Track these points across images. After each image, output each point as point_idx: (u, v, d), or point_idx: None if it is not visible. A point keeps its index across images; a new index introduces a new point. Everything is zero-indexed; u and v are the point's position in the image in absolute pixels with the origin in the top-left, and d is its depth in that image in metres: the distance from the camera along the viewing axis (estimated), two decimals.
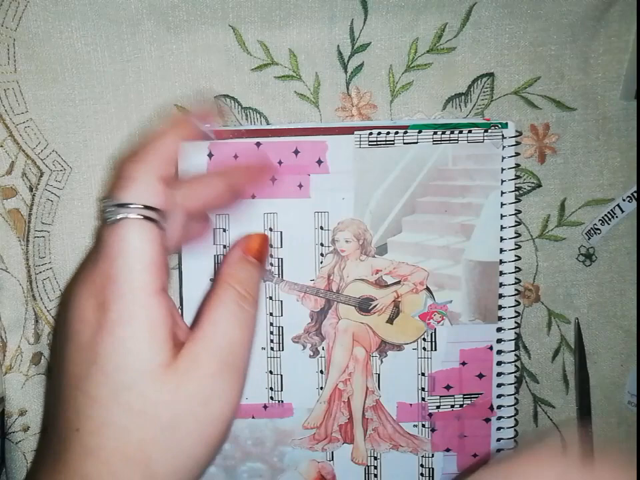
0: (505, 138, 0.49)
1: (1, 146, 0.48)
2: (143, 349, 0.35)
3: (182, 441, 0.35)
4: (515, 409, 0.51)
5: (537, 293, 0.52)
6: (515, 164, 0.49)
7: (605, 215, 0.51)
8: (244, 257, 0.41)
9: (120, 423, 0.34)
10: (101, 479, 0.34)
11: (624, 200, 0.51)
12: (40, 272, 0.49)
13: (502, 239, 0.50)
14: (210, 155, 0.48)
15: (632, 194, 0.51)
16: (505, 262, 0.50)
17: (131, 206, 0.36)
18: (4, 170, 0.48)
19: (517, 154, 0.49)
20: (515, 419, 0.51)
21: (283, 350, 0.49)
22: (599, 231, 0.52)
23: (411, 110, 0.50)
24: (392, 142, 0.48)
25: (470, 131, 0.49)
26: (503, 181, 0.49)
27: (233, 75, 0.49)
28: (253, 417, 0.49)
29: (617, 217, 0.51)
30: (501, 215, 0.49)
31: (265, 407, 0.49)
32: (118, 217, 0.35)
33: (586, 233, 0.52)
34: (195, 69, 0.49)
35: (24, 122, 0.48)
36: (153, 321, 0.35)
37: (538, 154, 0.51)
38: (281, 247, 0.49)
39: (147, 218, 0.36)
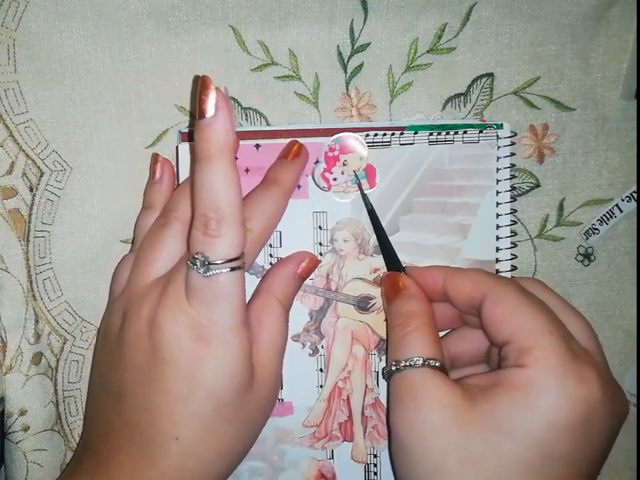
0: (500, 138, 0.49)
1: (1, 146, 0.48)
2: (238, 370, 0.41)
3: (256, 431, 0.44)
4: None
5: None
6: (510, 164, 0.49)
7: (604, 214, 0.52)
8: (296, 276, 0.46)
9: (218, 430, 0.41)
10: (198, 474, 0.41)
11: (623, 200, 0.51)
12: (40, 272, 0.49)
13: (498, 238, 0.50)
14: None
15: (631, 194, 0.51)
16: (501, 260, 0.50)
17: (222, 261, 0.39)
18: (4, 170, 0.48)
19: (512, 154, 0.49)
20: None
21: None
22: (597, 231, 0.52)
23: (410, 110, 0.50)
24: (388, 143, 0.49)
25: (465, 132, 0.49)
26: (498, 181, 0.49)
27: (232, 75, 0.49)
28: None
29: (615, 217, 0.51)
30: (497, 214, 0.49)
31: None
32: (211, 273, 0.39)
33: (584, 233, 0.52)
34: (195, 69, 0.49)
35: (24, 122, 0.48)
36: (243, 349, 0.41)
37: (537, 154, 0.51)
38: (280, 246, 0.49)
39: (234, 267, 0.40)
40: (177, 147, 0.48)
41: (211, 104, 0.38)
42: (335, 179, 0.49)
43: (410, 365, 0.40)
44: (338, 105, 0.50)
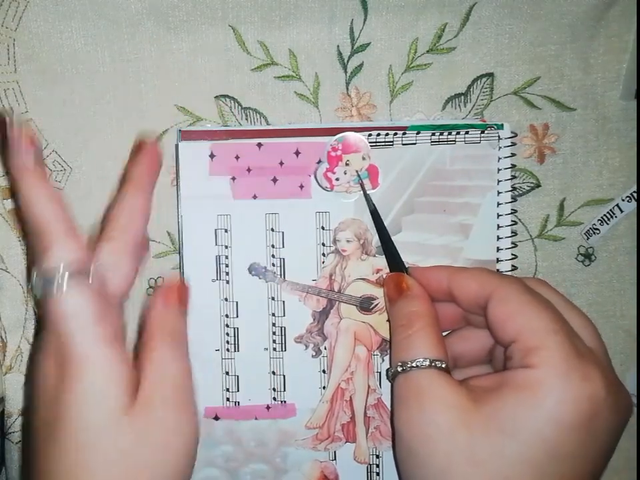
0: (501, 139, 0.49)
1: None
2: (104, 393, 0.38)
3: (154, 475, 0.38)
4: None
5: None
6: (511, 164, 0.49)
7: (604, 214, 0.51)
8: (165, 309, 0.43)
9: (87, 467, 0.37)
10: None
11: (623, 200, 0.51)
12: None
13: (499, 238, 0.50)
14: (212, 156, 0.48)
15: (631, 194, 0.51)
16: (502, 260, 0.50)
17: (55, 275, 0.38)
18: (4, 170, 0.48)
19: (513, 154, 0.49)
20: None
21: (285, 350, 0.49)
22: (598, 231, 0.52)
23: (410, 110, 0.50)
24: (391, 143, 0.49)
25: (467, 132, 0.49)
26: (499, 181, 0.49)
27: (232, 75, 0.49)
28: (256, 418, 0.49)
29: (616, 216, 0.51)
30: (498, 214, 0.49)
31: (268, 407, 0.49)
32: (49, 291, 0.38)
33: (585, 233, 0.52)
34: (195, 69, 0.49)
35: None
36: (107, 368, 0.38)
37: (537, 154, 0.51)
38: (283, 247, 0.49)
39: (73, 279, 0.38)
40: (176, 145, 0.48)
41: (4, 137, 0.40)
42: (337, 179, 0.49)
43: (416, 366, 0.40)
44: (338, 104, 0.50)
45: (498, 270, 0.50)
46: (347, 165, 0.48)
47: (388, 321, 0.48)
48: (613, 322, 0.53)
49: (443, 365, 0.40)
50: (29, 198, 0.40)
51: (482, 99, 0.50)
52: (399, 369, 0.41)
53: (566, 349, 0.38)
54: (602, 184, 0.52)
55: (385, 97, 0.50)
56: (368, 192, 0.48)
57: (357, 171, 0.48)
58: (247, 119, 0.50)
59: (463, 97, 0.50)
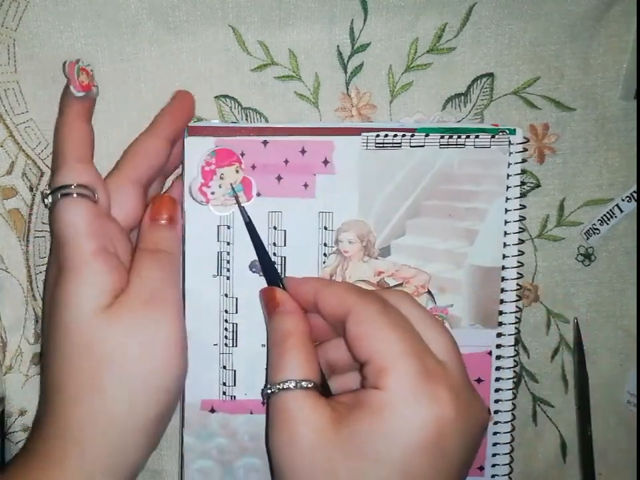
0: (512, 144, 0.49)
1: (1, 146, 0.48)
2: (84, 294, 0.41)
3: (127, 366, 0.41)
4: (512, 414, 0.51)
5: (535, 292, 0.52)
6: (521, 170, 0.49)
7: (604, 214, 0.52)
8: (152, 223, 0.46)
9: (70, 357, 0.41)
10: (64, 409, 0.40)
11: (623, 200, 0.51)
12: (40, 272, 0.49)
13: (505, 245, 0.49)
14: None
15: (631, 194, 0.51)
16: (508, 268, 0.50)
17: (60, 190, 0.42)
18: (4, 170, 0.48)
19: (524, 160, 0.49)
20: (512, 424, 0.51)
21: None
22: (597, 231, 0.52)
23: (410, 110, 0.50)
24: (399, 144, 0.48)
25: (477, 136, 0.48)
26: (508, 187, 0.49)
27: (232, 75, 0.49)
28: (251, 413, 0.49)
29: (616, 216, 0.51)
30: (505, 220, 0.49)
31: (264, 402, 0.49)
32: (50, 202, 0.43)
33: (585, 233, 0.52)
34: (195, 69, 0.49)
35: (24, 122, 0.48)
36: (92, 273, 0.41)
37: (537, 154, 0.51)
38: (285, 245, 0.49)
39: (78, 195, 0.42)
40: (183, 140, 0.48)
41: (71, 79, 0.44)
42: (212, 193, 0.48)
43: (284, 389, 0.41)
44: (338, 104, 0.50)
45: (503, 278, 0.49)
46: (221, 178, 0.48)
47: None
48: (613, 322, 0.53)
49: (310, 385, 0.41)
50: (59, 121, 0.45)
51: (482, 99, 0.50)
52: (269, 391, 0.41)
53: (414, 371, 0.38)
54: (602, 184, 0.52)
55: (385, 97, 0.50)
56: (243, 204, 0.48)
57: (231, 184, 0.48)
58: (247, 119, 0.50)
59: (462, 97, 0.51)
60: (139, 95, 0.49)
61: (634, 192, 0.51)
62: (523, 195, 0.50)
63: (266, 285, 0.48)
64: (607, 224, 0.52)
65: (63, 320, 0.41)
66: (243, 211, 0.48)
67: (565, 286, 0.53)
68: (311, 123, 0.49)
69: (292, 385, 0.41)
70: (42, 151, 0.48)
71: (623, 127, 0.51)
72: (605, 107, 0.51)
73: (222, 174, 0.48)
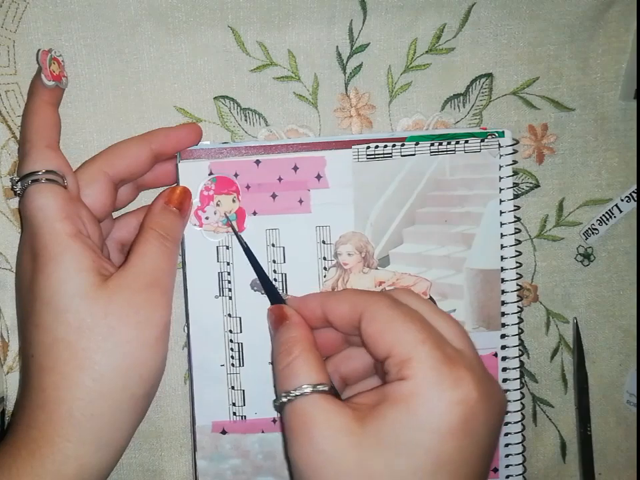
0: (502, 146, 0.49)
1: (3, 147, 0.48)
2: (71, 275, 0.41)
3: (120, 345, 0.41)
4: (522, 413, 0.51)
5: (535, 292, 0.52)
6: (513, 172, 0.49)
7: (603, 215, 0.52)
8: (165, 206, 0.46)
9: (65, 338, 0.40)
10: (56, 387, 0.40)
11: (622, 200, 0.51)
12: None
13: (502, 247, 0.50)
14: (211, 174, 0.48)
15: (630, 194, 0.51)
16: (507, 269, 0.50)
17: (30, 176, 0.42)
18: (7, 170, 0.49)
19: (514, 162, 0.49)
20: (522, 424, 0.51)
21: None
22: (597, 231, 0.52)
23: (409, 111, 0.50)
24: (390, 154, 0.49)
25: (467, 141, 0.49)
26: (501, 189, 0.49)
27: (231, 76, 0.49)
28: (263, 432, 0.49)
29: (615, 217, 0.51)
30: (501, 222, 0.49)
31: (274, 420, 0.50)
32: (23, 188, 0.43)
33: (584, 233, 0.52)
34: (194, 69, 0.49)
35: None
36: (74, 254, 0.41)
37: (536, 154, 0.51)
38: (284, 262, 0.49)
39: (47, 180, 0.42)
40: (176, 166, 0.48)
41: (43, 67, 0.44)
42: (207, 218, 0.48)
43: (300, 394, 0.40)
44: (337, 105, 0.50)
45: (503, 279, 0.50)
46: (217, 205, 0.48)
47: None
48: (613, 322, 0.53)
49: (326, 388, 0.40)
50: (29, 111, 0.45)
51: (481, 100, 0.50)
52: (285, 400, 0.41)
53: (435, 356, 0.38)
54: (601, 184, 0.52)
55: (384, 98, 0.50)
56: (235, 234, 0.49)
57: (225, 214, 0.48)
58: (246, 120, 0.50)
59: (462, 98, 0.51)
60: (138, 95, 0.49)
61: (633, 192, 0.51)
62: (516, 196, 0.50)
63: (270, 301, 0.48)
64: (606, 224, 0.52)
65: (53, 304, 0.41)
66: (239, 238, 0.48)
67: (564, 286, 0.53)
68: (301, 139, 0.49)
69: (308, 389, 0.40)
70: None
71: (622, 127, 0.51)
72: (604, 107, 0.51)
73: (219, 201, 0.48)
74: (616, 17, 0.50)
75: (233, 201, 0.49)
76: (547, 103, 0.51)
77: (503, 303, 0.50)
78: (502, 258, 0.50)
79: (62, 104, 0.48)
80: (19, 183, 0.43)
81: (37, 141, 0.44)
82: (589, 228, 0.52)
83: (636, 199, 0.51)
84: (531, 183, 0.51)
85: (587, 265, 0.53)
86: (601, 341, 0.53)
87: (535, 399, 0.53)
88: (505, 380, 0.50)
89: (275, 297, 0.48)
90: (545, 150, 0.51)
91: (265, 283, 0.48)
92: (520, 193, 0.51)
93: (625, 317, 0.53)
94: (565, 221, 0.52)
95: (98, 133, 0.49)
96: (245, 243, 0.48)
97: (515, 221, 0.49)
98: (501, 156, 0.49)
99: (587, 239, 0.52)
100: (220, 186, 0.48)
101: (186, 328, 0.49)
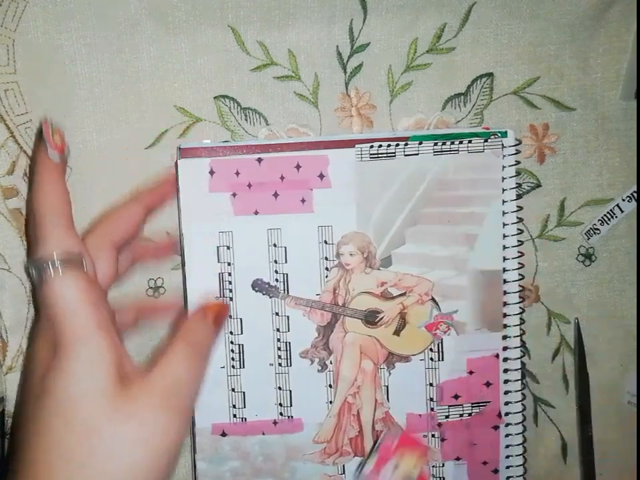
0: (505, 147, 0.49)
1: (2, 146, 0.48)
2: (91, 374, 0.38)
3: (131, 468, 0.38)
4: (523, 414, 0.51)
5: (536, 293, 0.52)
6: (516, 172, 0.49)
7: (605, 214, 0.51)
8: (201, 318, 0.44)
9: (70, 448, 0.37)
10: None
11: (623, 200, 0.51)
12: None
13: (504, 247, 0.49)
14: (211, 173, 0.48)
15: (631, 194, 0.51)
16: (509, 270, 0.50)
17: (51, 261, 0.39)
18: (5, 170, 0.49)
19: (517, 162, 0.49)
20: (523, 425, 0.51)
21: (290, 365, 0.49)
22: (598, 231, 0.52)
23: (410, 110, 0.50)
24: (393, 154, 0.48)
25: (470, 141, 0.48)
26: (504, 190, 0.49)
27: (232, 75, 0.49)
28: (263, 434, 0.50)
29: (616, 216, 0.51)
30: (503, 223, 0.49)
31: (275, 422, 0.50)
32: (42, 274, 0.39)
33: (585, 233, 0.52)
34: (194, 69, 0.49)
35: (24, 122, 0.48)
36: (98, 351, 0.39)
37: (537, 154, 0.51)
38: (286, 262, 0.49)
39: (67, 266, 0.39)
40: (176, 163, 0.48)
41: (39, 134, 0.42)
42: None
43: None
44: (338, 104, 0.50)
45: (505, 280, 0.50)
46: (395, 467, 0.47)
47: (394, 334, 0.48)
48: (614, 322, 0.53)
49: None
50: (41, 191, 0.42)
51: (482, 99, 0.50)
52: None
53: None
54: (602, 184, 0.52)
55: (385, 97, 0.50)
56: None
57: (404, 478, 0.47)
58: (246, 120, 0.50)
59: (462, 97, 0.50)
60: (138, 94, 0.49)
61: (634, 192, 0.51)
62: (519, 197, 0.50)
63: (271, 302, 0.49)
64: (608, 224, 0.52)
65: (67, 404, 0.38)
66: None
67: (566, 286, 0.53)
68: (304, 138, 0.49)
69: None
70: None
71: (623, 127, 0.51)
72: (605, 107, 0.51)
73: (398, 462, 0.47)
74: (616, 16, 0.50)
75: (417, 461, 0.47)
76: (547, 102, 0.51)
77: (505, 303, 0.50)
78: (504, 259, 0.49)
79: (62, 103, 0.48)
80: (35, 269, 0.40)
81: (55, 222, 0.41)
82: (590, 228, 0.52)
83: (637, 198, 0.51)
84: (532, 182, 0.51)
85: (589, 265, 0.52)
86: (602, 341, 0.53)
87: (536, 400, 0.53)
88: (506, 381, 0.50)
89: None
90: (546, 150, 0.51)
91: None
92: (521, 192, 0.51)
93: (626, 317, 0.53)
94: (567, 221, 0.52)
95: (97, 132, 0.49)
96: None
97: (517, 222, 0.49)
98: (504, 156, 0.49)
99: (588, 238, 0.52)
100: (405, 442, 0.48)
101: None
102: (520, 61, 0.50)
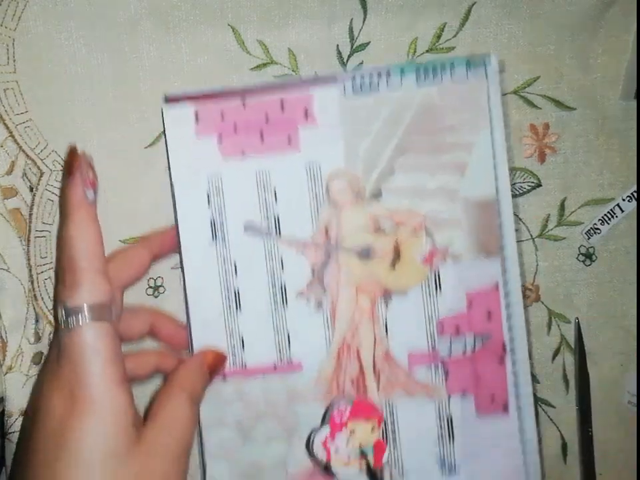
0: (488, 72, 0.48)
1: (1, 146, 0.48)
2: (111, 432, 0.38)
3: None
4: (528, 345, 0.49)
5: (536, 292, 0.52)
6: (502, 95, 0.48)
7: (605, 214, 0.51)
8: (200, 368, 0.46)
9: None
10: None
11: (624, 200, 0.51)
12: (41, 272, 0.49)
13: (496, 178, 0.48)
14: (197, 118, 0.48)
15: (632, 194, 0.51)
16: (502, 198, 0.48)
17: (82, 310, 0.39)
18: (4, 170, 0.49)
19: (502, 87, 0.48)
20: (530, 357, 0.49)
21: (287, 306, 0.49)
22: (598, 231, 0.52)
23: None
24: (377, 87, 0.48)
25: (453, 70, 0.48)
26: (491, 117, 0.48)
27: (232, 75, 0.49)
28: (264, 377, 0.49)
29: (616, 216, 0.51)
30: (493, 151, 0.48)
31: (275, 366, 0.49)
32: (73, 325, 0.39)
33: (586, 233, 0.52)
34: (194, 68, 0.49)
35: (24, 122, 0.48)
36: (119, 408, 0.39)
37: (538, 153, 0.51)
38: (276, 203, 0.48)
39: (98, 317, 0.40)
40: (161, 110, 0.48)
41: (70, 167, 0.42)
42: (336, 450, 0.48)
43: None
44: None
45: (499, 212, 0.48)
46: (351, 433, 0.48)
47: (390, 268, 0.48)
48: (613, 322, 0.53)
49: None
50: (75, 231, 0.41)
51: None
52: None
53: None
54: (602, 183, 0.52)
55: None
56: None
57: (360, 446, 0.47)
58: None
59: None
60: (138, 94, 0.49)
61: (634, 191, 0.51)
62: (523, 194, 0.50)
63: (264, 243, 0.49)
64: (608, 224, 0.52)
65: (85, 459, 0.38)
66: (376, 476, 0.47)
67: (566, 286, 0.52)
68: (287, 79, 0.49)
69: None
70: (41, 151, 0.49)
71: (623, 127, 0.51)
72: (605, 107, 0.51)
73: (353, 429, 0.48)
74: (616, 16, 0.50)
75: (372, 430, 0.48)
76: (547, 102, 0.51)
77: (501, 232, 0.49)
78: (497, 189, 0.48)
79: (62, 102, 0.48)
80: (66, 315, 0.40)
81: (90, 267, 0.41)
82: (590, 227, 0.52)
83: (637, 198, 0.51)
84: (532, 182, 0.51)
85: (589, 265, 0.52)
86: (603, 341, 0.53)
87: (537, 399, 0.53)
88: (508, 312, 0.49)
89: None
90: (547, 149, 0.51)
91: None
92: (521, 192, 0.51)
93: (627, 317, 0.53)
94: (567, 221, 0.52)
95: (97, 132, 0.49)
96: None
97: (507, 150, 0.48)
98: (488, 83, 0.48)
99: (588, 238, 0.52)
100: (357, 411, 0.48)
101: (181, 277, 0.49)
102: (520, 61, 0.50)
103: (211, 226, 0.48)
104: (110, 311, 0.41)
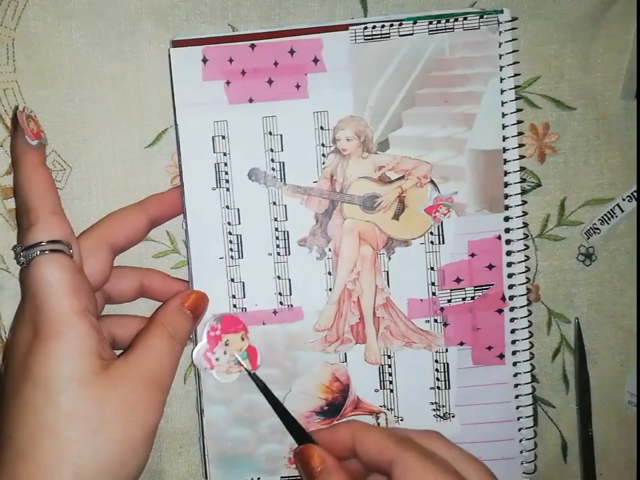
0: (501, 23, 0.48)
1: (1, 146, 0.48)
2: (72, 357, 0.39)
3: (109, 442, 0.39)
4: (527, 298, 0.50)
5: (536, 292, 0.52)
6: (513, 49, 0.48)
7: (605, 214, 0.51)
8: (180, 307, 0.46)
9: (52, 424, 0.38)
10: (32, 479, 0.37)
11: (624, 199, 0.51)
12: None
13: (504, 127, 0.49)
14: (204, 60, 0.47)
15: (632, 193, 0.51)
16: (509, 149, 0.49)
17: (36, 247, 0.41)
18: (4, 170, 0.48)
19: (514, 39, 0.49)
20: (528, 309, 0.50)
21: (289, 254, 0.49)
22: (598, 231, 0.51)
23: None
24: (387, 35, 0.48)
25: (465, 19, 0.48)
26: (501, 67, 0.48)
27: None
28: (264, 323, 0.49)
29: (616, 216, 0.51)
30: (502, 101, 0.49)
31: (275, 312, 0.49)
32: (29, 259, 0.41)
33: (585, 233, 0.52)
34: None
35: None
36: (78, 335, 0.40)
37: (538, 153, 0.51)
38: (282, 150, 0.48)
39: (53, 251, 0.41)
40: (168, 52, 0.47)
41: (13, 124, 0.44)
42: (217, 359, 0.48)
43: None
44: None
45: (505, 160, 0.49)
46: (226, 345, 0.48)
47: (393, 219, 0.48)
48: (613, 322, 0.53)
49: None
50: (24, 176, 0.43)
51: None
52: None
53: None
54: (602, 183, 0.52)
55: None
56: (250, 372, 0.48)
57: (235, 353, 0.48)
58: None
59: None
60: (138, 94, 0.49)
61: (634, 191, 0.51)
62: (523, 194, 0.50)
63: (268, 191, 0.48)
64: (608, 223, 0.51)
65: (47, 385, 0.39)
66: (254, 378, 0.48)
67: (566, 286, 0.52)
68: (297, 24, 0.49)
69: None
70: None
71: (624, 127, 0.51)
72: (605, 107, 0.51)
73: (227, 340, 0.48)
74: (617, 16, 0.50)
75: (242, 339, 0.49)
76: (548, 102, 0.51)
77: (506, 184, 0.49)
78: (504, 138, 0.49)
79: (61, 102, 0.48)
80: (23, 253, 0.41)
81: (42, 207, 0.42)
82: (590, 227, 0.52)
83: (637, 198, 0.51)
84: (532, 182, 0.51)
85: (589, 265, 0.52)
86: (603, 341, 0.53)
87: (536, 399, 0.53)
88: (509, 264, 0.50)
89: (299, 434, 0.48)
90: (547, 149, 0.51)
91: (287, 422, 0.48)
92: (521, 192, 0.51)
93: (627, 317, 0.53)
94: (567, 221, 0.52)
95: (97, 132, 0.49)
96: (261, 381, 0.48)
97: (516, 99, 0.49)
98: (500, 32, 0.48)
99: (588, 238, 0.52)
100: (226, 325, 0.48)
101: (184, 223, 0.49)
102: (520, 61, 0.50)
103: (215, 172, 0.48)
104: (67, 248, 0.42)
